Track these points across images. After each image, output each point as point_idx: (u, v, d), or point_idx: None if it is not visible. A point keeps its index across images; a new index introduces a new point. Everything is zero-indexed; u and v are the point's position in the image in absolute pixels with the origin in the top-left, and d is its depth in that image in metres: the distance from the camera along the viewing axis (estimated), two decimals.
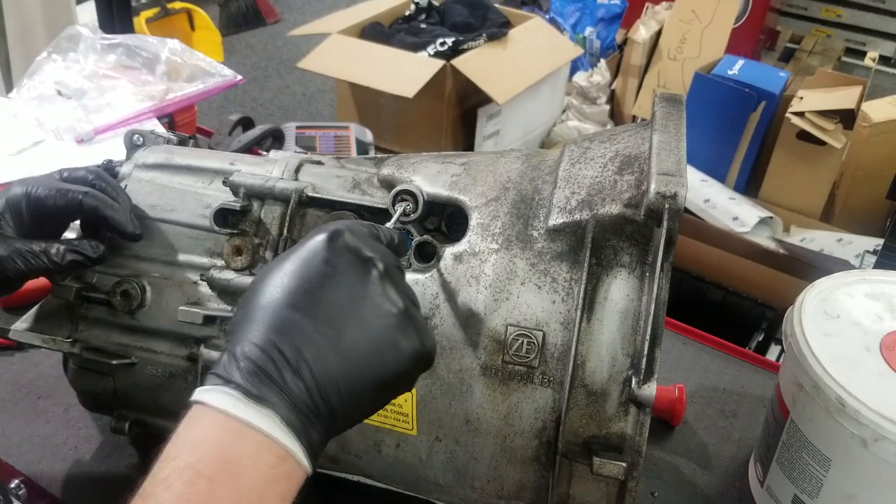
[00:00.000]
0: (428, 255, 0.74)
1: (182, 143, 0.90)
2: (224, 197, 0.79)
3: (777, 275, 2.06)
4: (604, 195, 0.69)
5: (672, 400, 1.01)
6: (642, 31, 3.14)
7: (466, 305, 0.70)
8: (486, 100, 2.62)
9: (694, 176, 2.52)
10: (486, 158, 0.79)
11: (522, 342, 0.68)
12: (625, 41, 3.28)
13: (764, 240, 2.24)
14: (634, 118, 3.17)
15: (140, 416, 0.83)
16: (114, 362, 0.80)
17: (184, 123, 1.53)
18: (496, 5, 3.05)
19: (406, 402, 0.72)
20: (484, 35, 2.72)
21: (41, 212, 0.74)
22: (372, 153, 2.11)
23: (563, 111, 3.16)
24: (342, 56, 2.61)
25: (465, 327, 0.70)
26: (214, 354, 0.79)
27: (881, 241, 1.86)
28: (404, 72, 2.49)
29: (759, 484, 0.91)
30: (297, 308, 0.53)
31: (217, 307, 0.79)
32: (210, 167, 0.82)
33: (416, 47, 2.68)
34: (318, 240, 0.57)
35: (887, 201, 2.35)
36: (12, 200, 0.73)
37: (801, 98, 2.43)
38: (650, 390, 0.64)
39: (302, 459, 0.51)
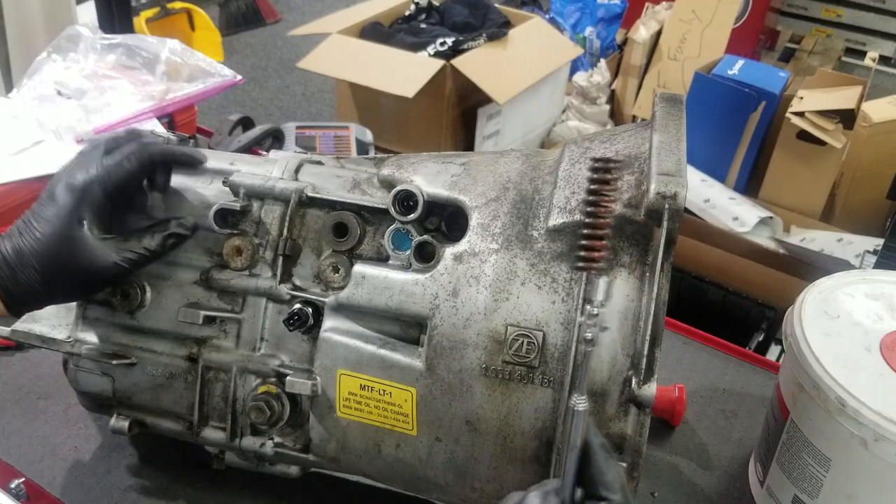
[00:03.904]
0: (428, 255, 0.74)
1: (182, 143, 0.90)
2: (224, 197, 0.79)
3: (777, 275, 2.06)
4: None
5: (672, 400, 1.01)
6: (642, 31, 3.14)
7: (466, 305, 0.70)
8: (486, 100, 2.62)
9: (694, 176, 2.52)
10: (486, 158, 0.79)
11: (522, 342, 0.68)
12: (625, 41, 3.27)
13: (764, 240, 2.24)
14: (634, 118, 3.17)
15: (140, 416, 0.83)
16: (114, 362, 0.80)
17: (184, 123, 1.53)
18: (496, 5, 3.05)
19: (406, 402, 0.72)
20: (484, 35, 2.72)
21: (119, 190, 0.73)
22: (372, 153, 2.11)
23: (563, 111, 3.16)
24: (342, 56, 2.60)
25: (464, 327, 0.70)
26: (215, 355, 0.79)
27: (881, 241, 1.86)
28: (404, 72, 2.49)
29: (759, 484, 0.91)
30: None
31: (217, 307, 0.79)
32: (210, 167, 0.82)
33: (416, 47, 2.68)
34: None
35: (887, 201, 2.35)
36: (87, 195, 0.71)
37: (801, 98, 2.43)
38: (650, 390, 0.65)
39: None
